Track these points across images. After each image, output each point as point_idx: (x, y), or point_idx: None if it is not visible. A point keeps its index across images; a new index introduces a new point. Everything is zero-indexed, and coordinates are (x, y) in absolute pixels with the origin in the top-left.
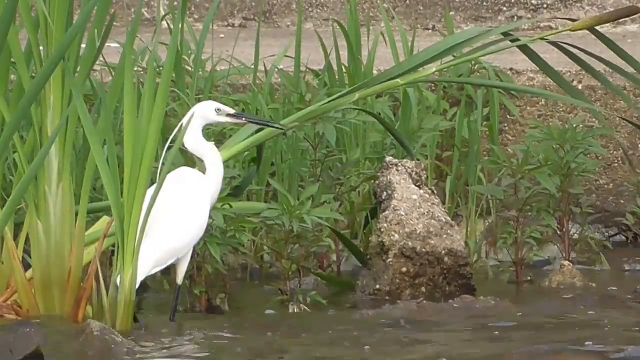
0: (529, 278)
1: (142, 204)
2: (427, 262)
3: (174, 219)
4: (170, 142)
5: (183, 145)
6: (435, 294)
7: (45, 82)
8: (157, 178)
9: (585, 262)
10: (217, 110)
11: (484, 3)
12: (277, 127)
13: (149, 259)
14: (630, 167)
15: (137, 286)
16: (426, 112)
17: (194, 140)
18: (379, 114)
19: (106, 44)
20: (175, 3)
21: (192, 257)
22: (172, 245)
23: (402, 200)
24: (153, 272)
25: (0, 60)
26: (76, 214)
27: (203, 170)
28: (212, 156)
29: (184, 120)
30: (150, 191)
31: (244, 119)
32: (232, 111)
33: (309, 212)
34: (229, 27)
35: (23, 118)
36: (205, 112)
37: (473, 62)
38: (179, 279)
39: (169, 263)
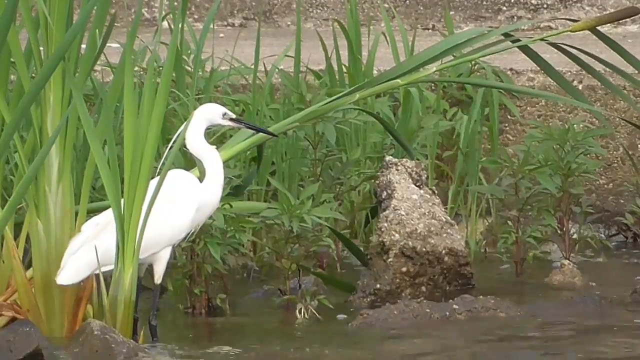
0: (529, 278)
1: (143, 204)
2: (427, 261)
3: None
4: (173, 143)
5: (185, 146)
6: (436, 294)
7: (45, 82)
8: (159, 177)
9: (585, 261)
10: (224, 114)
11: (484, 3)
12: (271, 135)
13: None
14: (633, 167)
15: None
16: (426, 112)
17: (196, 142)
18: (379, 114)
19: (107, 44)
20: (176, 3)
21: (191, 257)
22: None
23: (403, 200)
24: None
25: (0, 60)
26: (76, 214)
27: (203, 170)
28: (213, 163)
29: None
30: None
31: (243, 124)
32: (234, 116)
33: (309, 211)
34: (229, 27)
35: (23, 118)
36: (212, 115)
37: (473, 63)
38: (156, 279)
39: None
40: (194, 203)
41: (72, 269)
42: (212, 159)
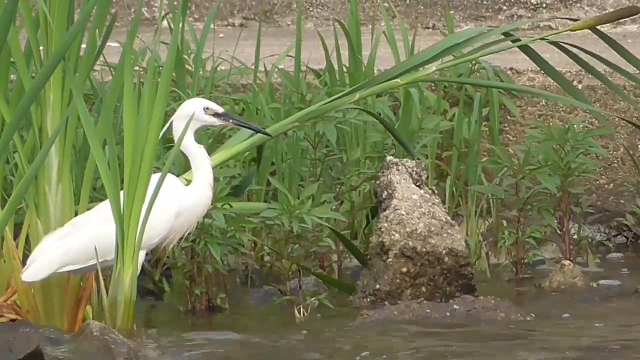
0: (529, 278)
1: (142, 204)
2: (427, 262)
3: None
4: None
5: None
6: (436, 294)
7: (45, 82)
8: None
9: (585, 261)
10: (206, 108)
11: (484, 2)
12: (262, 133)
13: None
14: (635, 166)
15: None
16: (426, 112)
17: (183, 140)
18: (380, 113)
19: (106, 44)
20: (176, 3)
21: (192, 257)
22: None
23: (403, 200)
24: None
25: (0, 60)
26: (76, 214)
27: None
28: (200, 162)
29: (175, 116)
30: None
31: (231, 120)
32: (220, 110)
33: (308, 212)
34: (229, 27)
35: (23, 118)
36: (193, 111)
37: (473, 62)
38: None
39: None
40: (172, 209)
41: (36, 267)
42: (199, 157)
